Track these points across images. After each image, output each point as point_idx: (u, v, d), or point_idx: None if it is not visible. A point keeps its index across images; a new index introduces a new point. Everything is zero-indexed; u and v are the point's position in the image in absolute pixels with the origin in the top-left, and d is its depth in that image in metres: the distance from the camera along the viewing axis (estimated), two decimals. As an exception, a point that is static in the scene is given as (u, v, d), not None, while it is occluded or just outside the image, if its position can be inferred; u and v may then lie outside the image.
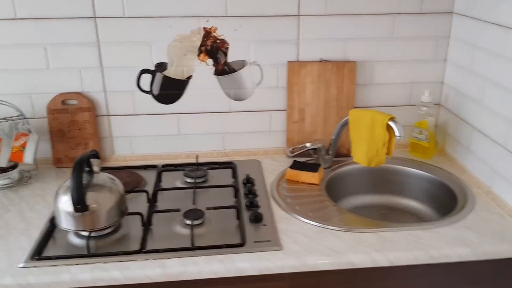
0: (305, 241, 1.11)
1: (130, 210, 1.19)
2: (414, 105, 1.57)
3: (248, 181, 1.37)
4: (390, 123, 1.25)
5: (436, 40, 1.52)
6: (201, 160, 1.52)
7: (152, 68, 1.46)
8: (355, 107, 1.53)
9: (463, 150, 1.45)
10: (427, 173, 1.45)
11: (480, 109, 1.35)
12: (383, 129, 1.28)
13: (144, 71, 1.46)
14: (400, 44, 1.52)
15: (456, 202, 1.29)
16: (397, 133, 1.24)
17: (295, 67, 1.49)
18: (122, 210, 1.15)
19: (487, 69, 1.32)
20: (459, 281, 1.14)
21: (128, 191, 1.23)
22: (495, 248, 1.09)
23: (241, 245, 1.09)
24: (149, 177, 1.41)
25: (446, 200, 1.35)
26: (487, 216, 1.20)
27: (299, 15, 1.45)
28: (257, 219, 1.18)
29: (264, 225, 1.17)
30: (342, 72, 1.50)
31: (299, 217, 1.20)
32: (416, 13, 1.48)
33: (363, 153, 1.36)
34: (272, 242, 1.10)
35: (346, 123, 1.39)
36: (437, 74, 1.56)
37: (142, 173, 1.44)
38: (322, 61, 1.50)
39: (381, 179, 1.50)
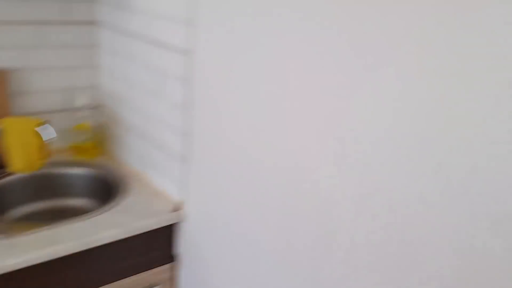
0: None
1: None
2: (73, 110, 1.66)
3: None
4: (37, 128, 1.30)
5: (87, 48, 1.64)
6: None
7: None
8: (12, 116, 1.50)
9: (122, 145, 1.63)
10: (90, 172, 1.56)
11: (129, 109, 1.55)
12: (34, 135, 1.31)
13: None
14: (53, 52, 1.57)
15: (116, 192, 1.44)
16: (44, 137, 1.29)
17: None
18: None
19: (129, 73, 1.51)
20: (116, 259, 1.28)
21: None
22: (142, 223, 1.28)
23: None
24: None
25: (109, 193, 1.49)
26: (139, 199, 1.39)
27: None
28: None
29: None
30: (-9, 82, 1.45)
31: None
32: (62, 23, 1.56)
33: (20, 161, 1.36)
34: None
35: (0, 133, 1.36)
36: (92, 79, 1.69)
37: None
38: (-36, 72, 1.41)
39: (47, 185, 1.53)
